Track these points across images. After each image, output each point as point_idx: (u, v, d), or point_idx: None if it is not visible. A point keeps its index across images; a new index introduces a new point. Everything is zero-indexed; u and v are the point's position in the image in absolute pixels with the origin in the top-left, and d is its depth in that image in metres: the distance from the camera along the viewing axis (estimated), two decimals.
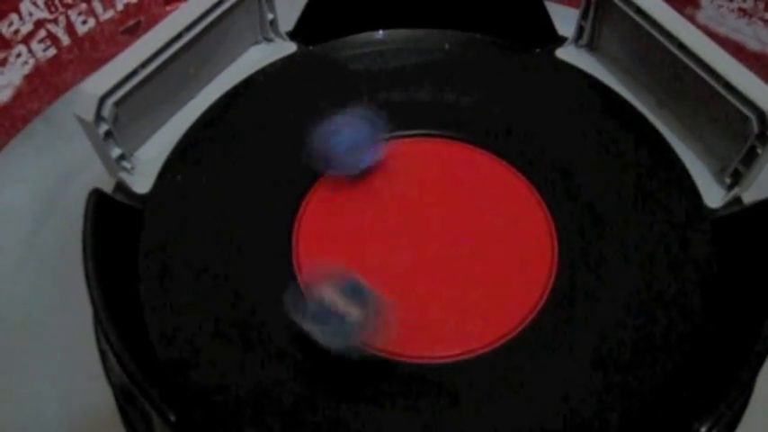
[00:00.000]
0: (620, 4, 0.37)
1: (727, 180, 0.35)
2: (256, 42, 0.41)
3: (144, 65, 0.34)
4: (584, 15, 0.39)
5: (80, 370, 0.35)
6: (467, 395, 0.30)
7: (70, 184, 0.44)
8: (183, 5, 0.36)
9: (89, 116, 0.32)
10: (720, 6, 0.49)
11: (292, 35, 0.41)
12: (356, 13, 0.40)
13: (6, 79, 0.47)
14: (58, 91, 0.50)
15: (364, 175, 0.35)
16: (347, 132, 0.34)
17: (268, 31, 0.40)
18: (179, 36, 0.35)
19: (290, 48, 0.41)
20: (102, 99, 0.32)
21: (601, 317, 0.32)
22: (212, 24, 0.36)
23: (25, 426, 0.37)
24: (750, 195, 0.35)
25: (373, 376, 0.30)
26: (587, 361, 0.31)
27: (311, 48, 0.41)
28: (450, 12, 0.41)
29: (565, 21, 0.41)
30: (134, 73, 0.33)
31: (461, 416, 0.29)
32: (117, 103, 0.33)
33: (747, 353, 0.28)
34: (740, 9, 0.49)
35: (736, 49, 0.50)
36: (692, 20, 0.50)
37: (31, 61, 0.48)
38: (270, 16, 0.40)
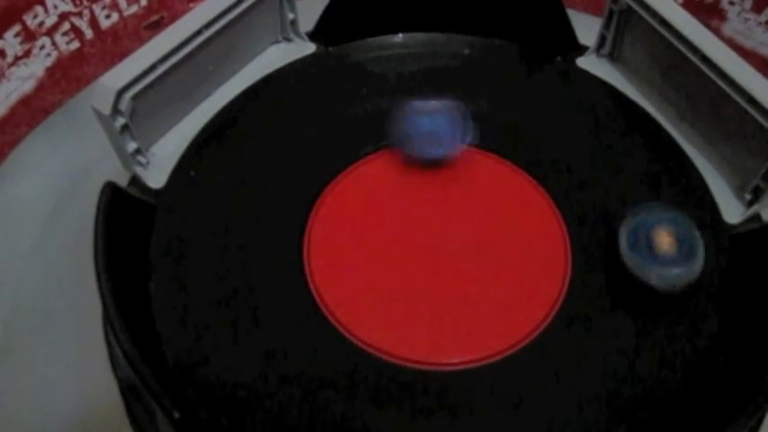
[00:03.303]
0: (644, 15, 0.36)
1: (747, 196, 0.35)
2: (276, 42, 0.41)
3: (163, 60, 0.34)
4: (607, 25, 0.39)
5: (90, 362, 0.35)
6: (473, 404, 0.30)
7: (88, 178, 0.44)
8: (204, 2, 0.36)
9: (106, 109, 0.32)
10: (747, 20, 0.49)
11: (312, 36, 0.41)
12: (377, 16, 0.40)
13: (29, 71, 0.47)
14: (80, 84, 0.50)
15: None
16: (436, 118, 0.34)
17: (288, 30, 0.40)
18: (198, 33, 0.35)
19: (310, 48, 0.41)
20: (120, 93, 0.32)
21: (613, 330, 0.31)
22: (232, 22, 0.36)
23: (33, 414, 0.38)
24: None
25: (380, 381, 0.30)
26: (597, 375, 0.30)
27: (330, 49, 0.41)
28: (470, 17, 0.41)
29: (587, 29, 0.41)
30: (153, 68, 0.34)
31: (466, 425, 0.29)
32: (134, 98, 0.33)
33: (764, 372, 0.28)
34: (767, 23, 0.48)
35: (763, 64, 0.49)
36: (717, 32, 0.49)
37: (54, 54, 0.48)
38: (290, 16, 0.40)
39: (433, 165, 0.35)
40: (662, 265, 0.29)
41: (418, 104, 0.34)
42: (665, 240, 0.29)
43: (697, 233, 0.30)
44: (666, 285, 0.29)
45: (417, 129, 0.34)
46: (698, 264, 0.29)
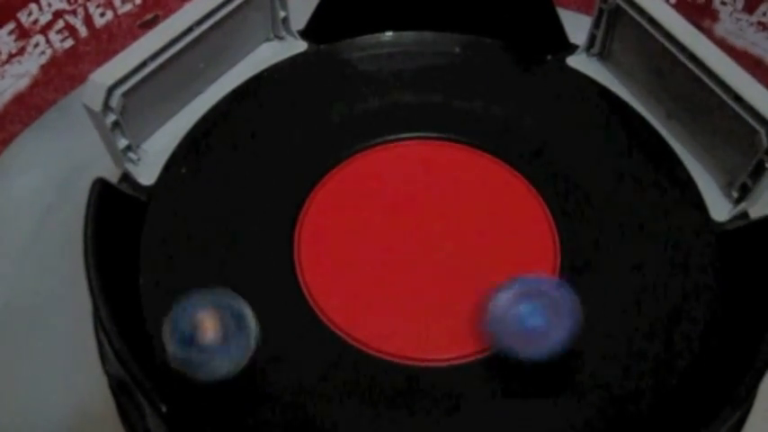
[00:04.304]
0: (633, 14, 0.37)
1: (735, 194, 0.35)
2: (267, 39, 0.41)
3: (154, 57, 0.34)
4: (597, 24, 0.39)
5: (82, 359, 0.35)
6: (462, 400, 0.30)
7: (82, 176, 0.44)
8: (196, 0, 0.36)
9: (97, 106, 0.32)
10: (739, 20, 0.49)
11: (304, 34, 0.41)
12: (368, 14, 0.41)
13: (23, 68, 0.48)
14: (74, 82, 0.50)
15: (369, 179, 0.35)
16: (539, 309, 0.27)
17: (280, 28, 0.40)
18: (189, 30, 0.35)
19: (301, 46, 0.41)
20: (111, 89, 0.32)
21: (601, 327, 0.31)
22: (223, 20, 0.36)
23: (23, 412, 0.38)
24: (757, 210, 0.35)
25: (369, 377, 0.30)
26: (585, 370, 0.30)
27: (322, 47, 0.41)
28: (461, 15, 0.41)
29: (577, 28, 0.41)
30: (143, 65, 0.34)
31: (456, 421, 0.29)
32: (125, 94, 0.33)
33: (748, 368, 0.28)
34: (759, 23, 0.48)
35: (755, 64, 0.49)
36: (710, 33, 0.49)
37: (49, 51, 0.48)
38: (282, 14, 0.40)
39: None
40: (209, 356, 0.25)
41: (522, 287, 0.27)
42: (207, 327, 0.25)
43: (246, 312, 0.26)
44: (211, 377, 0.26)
45: (518, 324, 0.27)
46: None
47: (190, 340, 0.25)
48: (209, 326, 0.25)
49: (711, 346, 0.31)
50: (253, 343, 0.26)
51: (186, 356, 0.25)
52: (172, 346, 0.25)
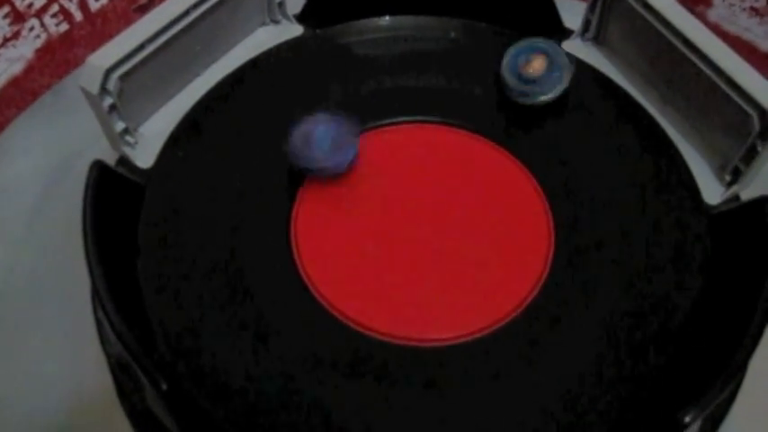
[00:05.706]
0: None
1: (727, 177, 0.35)
2: (264, 24, 0.41)
3: (151, 40, 0.34)
4: (592, 8, 0.39)
5: (80, 342, 0.35)
6: (458, 379, 0.30)
7: (77, 160, 0.44)
8: None
9: (94, 88, 0.32)
10: (732, 5, 0.49)
11: (300, 18, 0.41)
12: None
13: (18, 52, 0.48)
14: (69, 66, 0.50)
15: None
16: (325, 130, 0.33)
17: (276, 12, 0.40)
18: (186, 13, 0.35)
19: (297, 30, 0.41)
20: (108, 72, 0.33)
21: (594, 308, 0.32)
22: (220, 3, 0.36)
23: (24, 396, 0.38)
24: (749, 193, 0.35)
25: (367, 358, 0.30)
26: (579, 350, 0.31)
27: (318, 31, 0.41)
28: (457, 0, 0.41)
29: (572, 13, 0.41)
30: (141, 47, 0.34)
31: (452, 400, 0.30)
32: (122, 77, 0.33)
33: (736, 348, 0.29)
34: (752, 8, 0.48)
35: (747, 49, 0.50)
36: (703, 18, 0.49)
37: (44, 35, 0.48)
38: None
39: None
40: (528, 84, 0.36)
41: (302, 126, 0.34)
42: (537, 64, 0.35)
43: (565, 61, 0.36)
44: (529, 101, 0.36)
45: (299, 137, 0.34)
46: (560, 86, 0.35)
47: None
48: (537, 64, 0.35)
49: (702, 326, 0.31)
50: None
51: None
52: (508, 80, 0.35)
